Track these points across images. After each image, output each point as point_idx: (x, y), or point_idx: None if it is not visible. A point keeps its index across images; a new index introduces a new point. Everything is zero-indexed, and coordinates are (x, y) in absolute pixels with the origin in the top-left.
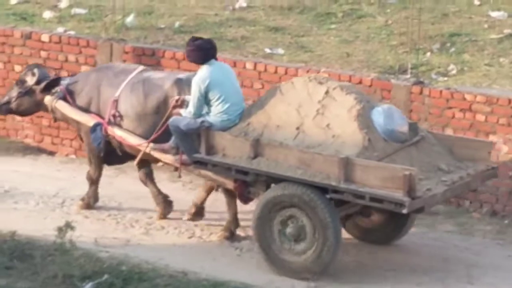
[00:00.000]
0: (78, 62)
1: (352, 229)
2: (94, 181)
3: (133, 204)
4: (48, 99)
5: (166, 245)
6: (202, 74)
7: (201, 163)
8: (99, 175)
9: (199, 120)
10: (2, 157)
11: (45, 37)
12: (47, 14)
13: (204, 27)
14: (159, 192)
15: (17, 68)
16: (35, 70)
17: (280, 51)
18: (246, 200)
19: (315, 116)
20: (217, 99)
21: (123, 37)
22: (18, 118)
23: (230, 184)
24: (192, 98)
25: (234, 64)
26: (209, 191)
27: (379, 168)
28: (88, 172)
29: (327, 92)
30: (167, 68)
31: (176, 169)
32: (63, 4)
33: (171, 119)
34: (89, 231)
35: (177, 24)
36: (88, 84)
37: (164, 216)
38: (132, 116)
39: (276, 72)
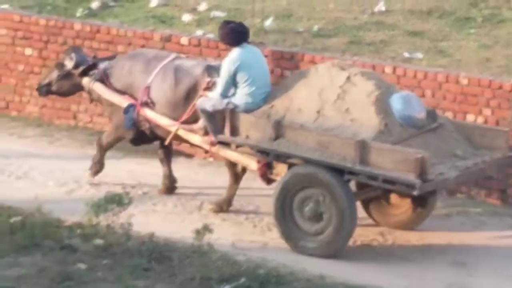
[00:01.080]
0: None
1: (375, 214)
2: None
3: (270, 207)
4: (86, 81)
5: None
6: (233, 56)
7: (225, 144)
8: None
9: (225, 101)
10: (141, 158)
11: (184, 40)
12: (186, 17)
13: (342, 31)
14: (170, 174)
15: None
16: (73, 55)
17: (419, 55)
18: (268, 181)
19: (335, 101)
20: (245, 81)
21: (262, 40)
22: None
23: (253, 165)
24: (221, 79)
25: (373, 68)
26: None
27: (393, 151)
28: (98, 139)
29: (348, 78)
30: None
31: (206, 151)
32: (202, 7)
33: (198, 100)
34: (226, 234)
35: (315, 27)
36: (124, 69)
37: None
38: (163, 103)
39: (415, 76)
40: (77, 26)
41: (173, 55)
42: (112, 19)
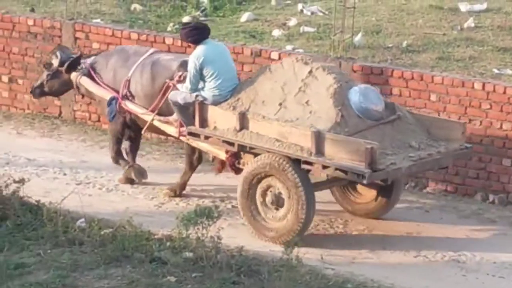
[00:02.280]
0: None
1: (345, 204)
2: (117, 159)
3: (360, 222)
4: (73, 75)
5: (391, 264)
6: (197, 52)
7: (195, 135)
8: (119, 152)
9: (194, 94)
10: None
11: (274, 55)
12: (276, 32)
13: (431, 47)
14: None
15: None
16: (58, 53)
17: (509, 71)
18: (236, 170)
19: (296, 93)
20: (210, 76)
21: (351, 55)
22: None
23: (222, 155)
24: (189, 74)
25: (462, 84)
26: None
27: (346, 142)
28: (110, 152)
29: (310, 72)
30: (395, 87)
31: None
32: (292, 23)
33: (170, 94)
34: (315, 248)
35: (404, 43)
36: (107, 64)
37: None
38: (142, 96)
39: (504, 92)
40: (168, 40)
41: (151, 50)
42: None
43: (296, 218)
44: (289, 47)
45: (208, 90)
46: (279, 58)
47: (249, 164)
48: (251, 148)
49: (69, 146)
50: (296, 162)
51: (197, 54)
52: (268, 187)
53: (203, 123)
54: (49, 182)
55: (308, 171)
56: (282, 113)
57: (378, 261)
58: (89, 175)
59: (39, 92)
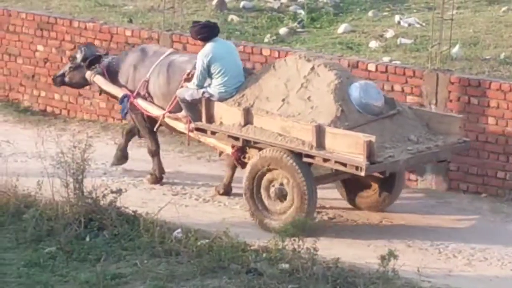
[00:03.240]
0: (404, 92)
1: (349, 198)
2: (154, 153)
3: (454, 234)
4: (88, 73)
5: (488, 277)
6: (206, 50)
7: (202, 130)
8: (157, 146)
9: (201, 91)
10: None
11: (371, 67)
12: (373, 44)
13: None
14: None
15: None
16: (83, 48)
17: None
18: (242, 164)
19: (299, 89)
20: (218, 73)
21: (448, 67)
22: None
23: (228, 150)
24: (196, 71)
25: None
26: (233, 168)
27: (345, 135)
28: (148, 146)
29: (312, 68)
30: (493, 99)
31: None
32: (389, 34)
33: (178, 91)
34: (411, 260)
35: (502, 55)
36: (126, 64)
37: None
38: (160, 96)
39: None
40: (266, 51)
41: (168, 51)
42: (299, 45)
43: (299, 210)
44: (386, 59)
45: (215, 87)
46: (376, 70)
47: (254, 157)
48: (255, 142)
49: (166, 156)
50: (298, 156)
51: (205, 52)
52: (272, 180)
53: (210, 119)
54: (146, 192)
55: (310, 164)
56: (285, 109)
57: (475, 273)
58: (186, 186)
59: (60, 81)
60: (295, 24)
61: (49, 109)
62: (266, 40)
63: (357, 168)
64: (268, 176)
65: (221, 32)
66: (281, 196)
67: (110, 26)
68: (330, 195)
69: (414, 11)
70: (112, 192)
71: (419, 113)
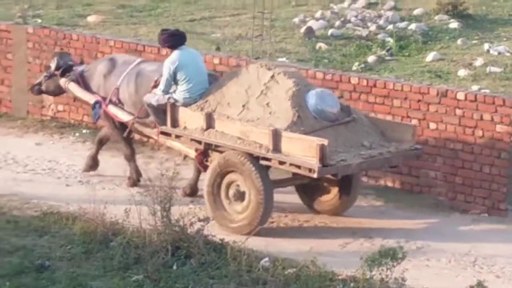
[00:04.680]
0: (493, 121)
1: (308, 202)
2: (130, 158)
3: None
4: (62, 81)
5: None
6: (172, 57)
7: (167, 134)
8: (132, 151)
9: (167, 96)
10: (412, 212)
11: (460, 95)
12: (462, 72)
13: None
14: (137, 169)
15: (432, 125)
16: (55, 58)
17: None
18: (205, 167)
19: (259, 96)
20: (183, 79)
21: None
22: (431, 174)
23: (192, 154)
24: (163, 77)
25: None
26: (200, 170)
27: (300, 139)
28: (123, 151)
29: (272, 76)
30: None
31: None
32: (478, 62)
33: (145, 96)
34: None
35: None
36: (97, 72)
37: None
38: (129, 103)
39: None
40: (354, 80)
41: (138, 60)
42: (388, 73)
43: (255, 211)
44: (475, 88)
45: (180, 93)
46: (465, 99)
47: (215, 160)
48: (217, 146)
49: None
50: (255, 159)
51: (172, 59)
52: (231, 182)
53: (174, 123)
54: None
55: (268, 167)
56: (244, 114)
57: None
58: (273, 214)
59: (37, 89)
60: (384, 52)
61: (136, 137)
62: (354, 68)
63: (310, 170)
64: (227, 178)
65: (309, 60)
66: (239, 197)
67: (298, 71)
68: (421, 225)
69: (504, 39)
70: (199, 220)
71: (375, 121)
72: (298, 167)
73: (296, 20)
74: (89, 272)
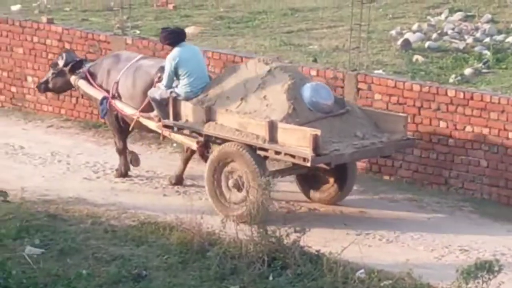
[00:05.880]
0: None
1: (307, 192)
2: (121, 152)
3: None
4: (72, 78)
5: None
6: (173, 54)
7: (169, 127)
8: (124, 145)
9: (169, 91)
10: None
11: None
12: None
13: None
14: (126, 163)
15: None
16: (64, 55)
17: None
18: (206, 159)
19: (256, 89)
20: (184, 74)
21: None
22: None
23: (194, 146)
24: (165, 73)
25: None
26: (186, 162)
27: (294, 130)
28: (115, 144)
29: (269, 71)
30: None
31: (163, 137)
32: None
33: (149, 91)
34: None
35: None
36: (102, 68)
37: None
38: (127, 96)
39: None
40: (451, 92)
41: (139, 56)
42: (484, 86)
43: (254, 200)
44: None
45: (181, 87)
46: None
47: (214, 151)
48: (216, 138)
49: (349, 198)
50: (253, 149)
51: (173, 56)
52: (230, 172)
53: (177, 116)
54: (329, 232)
55: (266, 157)
56: (243, 107)
57: None
58: (369, 226)
59: (44, 87)
60: (480, 64)
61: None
62: (451, 80)
63: (304, 159)
64: (227, 168)
65: (405, 72)
66: (239, 187)
67: (296, 66)
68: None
69: None
70: (295, 231)
71: (369, 113)
72: (293, 156)
73: (393, 32)
74: (186, 282)
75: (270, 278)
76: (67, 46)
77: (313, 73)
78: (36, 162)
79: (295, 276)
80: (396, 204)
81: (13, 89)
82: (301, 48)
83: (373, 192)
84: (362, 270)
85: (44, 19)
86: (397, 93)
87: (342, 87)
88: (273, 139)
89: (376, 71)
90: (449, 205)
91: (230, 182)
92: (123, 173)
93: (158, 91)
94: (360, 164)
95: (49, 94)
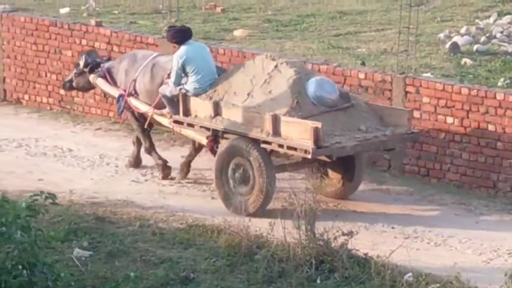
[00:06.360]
0: None
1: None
2: (149, 150)
3: None
4: (91, 77)
5: None
6: (180, 52)
7: (179, 123)
8: (151, 142)
9: (178, 87)
10: None
11: None
12: None
13: None
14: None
15: None
16: (84, 56)
17: None
18: (216, 153)
19: (262, 84)
20: (192, 71)
21: None
22: None
23: (204, 141)
24: (173, 70)
25: None
26: (197, 150)
27: (296, 123)
28: (143, 144)
29: (276, 66)
30: None
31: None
32: None
33: (160, 88)
34: None
35: None
36: (120, 67)
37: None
38: (144, 93)
39: None
40: (499, 95)
41: (154, 54)
42: None
43: (259, 193)
44: None
45: (190, 84)
46: None
47: (222, 145)
48: (223, 132)
49: (397, 201)
50: (258, 143)
51: (180, 54)
52: (237, 165)
53: (186, 112)
54: (377, 235)
55: (271, 151)
56: (249, 101)
57: None
58: (417, 229)
59: (68, 86)
60: None
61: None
62: (499, 84)
63: (305, 151)
64: (234, 162)
65: (453, 76)
66: (245, 180)
67: (344, 69)
68: None
69: None
70: (343, 234)
71: (374, 107)
72: (295, 149)
73: (441, 35)
74: (233, 285)
75: (318, 281)
76: (115, 49)
77: (361, 76)
78: (84, 165)
79: (342, 279)
80: (444, 207)
81: (62, 92)
82: (349, 51)
83: (421, 195)
84: (410, 274)
85: (92, 22)
86: (445, 96)
87: (390, 90)
88: (276, 132)
89: (424, 74)
90: (497, 208)
91: (237, 175)
92: (165, 173)
93: (168, 88)
94: (409, 168)
95: (98, 97)
